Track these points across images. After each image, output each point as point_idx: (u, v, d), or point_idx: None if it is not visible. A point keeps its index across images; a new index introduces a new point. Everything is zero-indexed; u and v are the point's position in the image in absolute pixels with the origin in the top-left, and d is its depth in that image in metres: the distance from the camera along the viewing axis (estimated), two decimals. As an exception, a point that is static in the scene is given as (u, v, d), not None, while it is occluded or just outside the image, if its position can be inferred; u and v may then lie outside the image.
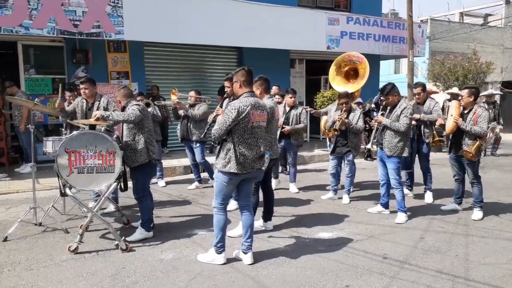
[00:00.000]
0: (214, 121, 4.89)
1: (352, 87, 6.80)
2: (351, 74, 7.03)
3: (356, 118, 6.01)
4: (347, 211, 5.71)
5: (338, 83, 6.96)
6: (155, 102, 9.21)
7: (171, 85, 10.38)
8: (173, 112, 7.05)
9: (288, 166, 7.08)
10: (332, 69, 7.03)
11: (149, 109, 6.95)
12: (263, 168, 3.99)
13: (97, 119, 4.40)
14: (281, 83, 8.88)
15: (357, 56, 7.04)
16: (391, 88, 5.25)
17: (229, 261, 3.93)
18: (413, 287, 3.47)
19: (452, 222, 5.21)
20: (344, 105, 5.99)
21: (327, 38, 11.06)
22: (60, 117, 5.83)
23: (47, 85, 9.02)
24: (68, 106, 6.35)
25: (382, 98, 5.59)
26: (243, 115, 3.66)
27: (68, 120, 5.50)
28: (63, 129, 5.44)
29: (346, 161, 6.19)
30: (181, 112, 6.78)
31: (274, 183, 6.74)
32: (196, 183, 7.09)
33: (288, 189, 6.93)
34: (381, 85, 14.67)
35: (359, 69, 6.96)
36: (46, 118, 9.02)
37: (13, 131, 8.73)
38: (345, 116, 5.94)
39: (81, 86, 5.37)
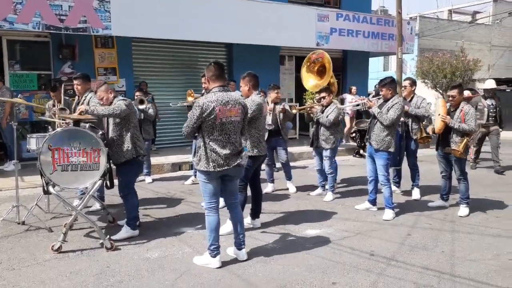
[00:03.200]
0: None
1: (322, 83, 6.85)
2: (322, 71, 7.05)
3: (329, 111, 6.03)
4: (335, 208, 5.71)
5: (310, 82, 7.05)
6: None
7: (160, 81, 10.32)
8: (188, 110, 7.04)
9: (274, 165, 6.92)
10: (303, 71, 7.06)
11: (142, 107, 6.90)
12: (242, 164, 3.78)
13: (81, 113, 4.32)
14: (271, 79, 8.83)
15: (316, 54, 7.03)
16: (388, 82, 5.31)
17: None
18: (399, 284, 3.48)
19: (439, 219, 5.24)
20: (322, 99, 6.15)
21: (317, 35, 11.03)
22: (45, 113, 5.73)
23: (32, 81, 8.88)
24: (53, 105, 6.29)
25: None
26: (207, 112, 3.54)
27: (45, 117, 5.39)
28: (49, 126, 5.34)
29: (323, 157, 6.18)
30: None
31: (270, 187, 6.64)
32: (193, 177, 7.12)
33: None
34: (370, 82, 14.73)
35: (326, 64, 6.98)
36: (30, 115, 8.87)
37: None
38: (319, 109, 6.12)
39: (74, 82, 5.26)
